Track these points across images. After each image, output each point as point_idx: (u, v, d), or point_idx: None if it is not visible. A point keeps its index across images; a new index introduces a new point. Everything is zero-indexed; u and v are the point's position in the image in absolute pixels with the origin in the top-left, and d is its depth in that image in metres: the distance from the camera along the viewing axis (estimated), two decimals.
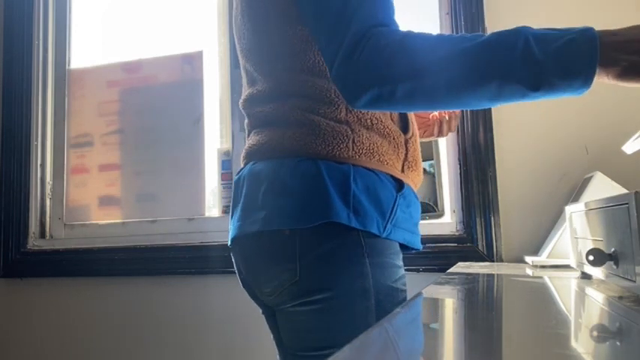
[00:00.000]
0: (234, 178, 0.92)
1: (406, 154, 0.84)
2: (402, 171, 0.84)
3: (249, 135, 0.91)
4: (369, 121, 0.81)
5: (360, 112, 0.80)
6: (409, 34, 0.68)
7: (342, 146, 0.78)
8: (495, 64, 0.63)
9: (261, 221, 0.79)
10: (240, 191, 0.87)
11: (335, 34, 0.69)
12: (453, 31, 1.46)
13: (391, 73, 0.66)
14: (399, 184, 0.83)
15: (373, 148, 0.80)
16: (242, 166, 0.91)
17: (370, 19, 0.68)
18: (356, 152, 0.79)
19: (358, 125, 0.80)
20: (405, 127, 0.85)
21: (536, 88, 0.62)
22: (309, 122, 0.79)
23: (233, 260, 0.94)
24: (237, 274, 0.94)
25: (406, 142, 0.85)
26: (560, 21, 1.38)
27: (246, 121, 0.93)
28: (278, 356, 0.96)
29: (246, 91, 0.92)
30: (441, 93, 0.66)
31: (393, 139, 0.83)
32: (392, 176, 0.82)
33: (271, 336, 0.96)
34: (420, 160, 0.89)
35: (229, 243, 0.91)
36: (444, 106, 0.71)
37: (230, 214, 0.92)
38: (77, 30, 1.94)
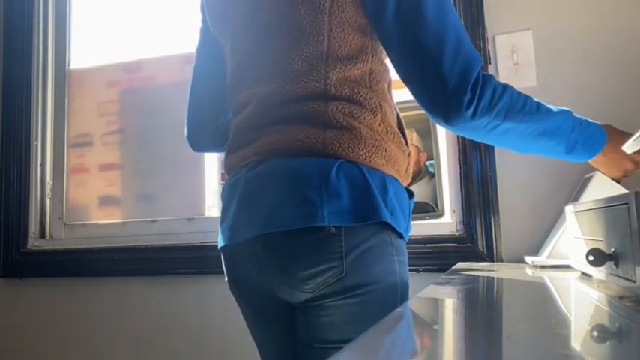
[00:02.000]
0: (238, 177, 0.89)
1: (407, 166, 0.92)
2: (403, 181, 0.92)
3: (252, 133, 0.89)
4: (393, 134, 0.87)
5: (389, 124, 0.87)
6: (510, 87, 0.85)
7: (378, 154, 0.84)
8: (559, 131, 0.91)
9: (308, 217, 0.79)
10: (259, 187, 0.85)
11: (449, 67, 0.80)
12: None
13: (505, 111, 0.83)
14: (409, 192, 0.92)
15: (395, 159, 0.87)
16: (252, 162, 0.87)
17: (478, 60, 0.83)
18: (387, 161, 0.85)
19: (386, 137, 0.86)
20: (406, 143, 0.92)
21: (569, 152, 0.94)
22: (351, 127, 0.83)
23: (230, 262, 0.93)
24: (234, 277, 0.93)
25: (408, 154, 0.92)
26: (559, 20, 1.38)
27: (249, 116, 0.90)
28: (272, 352, 0.97)
29: (257, 87, 0.89)
30: (523, 138, 0.89)
31: (403, 152, 0.90)
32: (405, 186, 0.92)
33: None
34: (411, 171, 0.97)
35: (235, 242, 0.88)
36: (516, 147, 0.93)
37: (234, 212, 0.88)
38: (77, 30, 1.94)
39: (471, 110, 0.79)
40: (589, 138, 0.95)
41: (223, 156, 1.02)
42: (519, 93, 0.86)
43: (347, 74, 0.84)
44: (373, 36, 0.86)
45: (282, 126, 0.85)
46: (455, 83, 0.79)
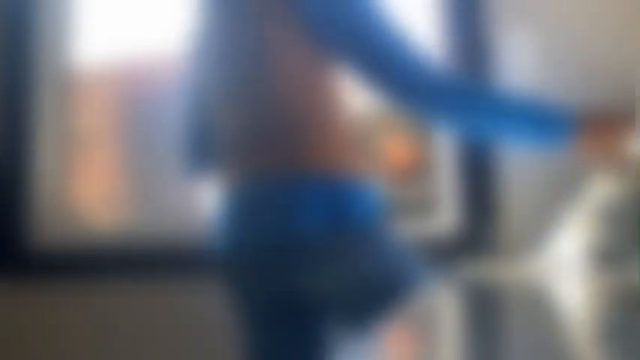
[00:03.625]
0: (242, 193, 0.94)
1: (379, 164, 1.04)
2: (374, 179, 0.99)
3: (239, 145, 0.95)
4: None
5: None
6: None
7: (350, 158, 0.90)
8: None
9: (291, 228, 0.85)
10: (260, 206, 0.91)
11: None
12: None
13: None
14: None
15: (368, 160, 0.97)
16: (246, 180, 0.93)
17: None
18: (360, 162, 0.91)
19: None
20: None
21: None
22: (321, 135, 0.89)
23: (241, 268, 0.96)
24: (243, 281, 0.97)
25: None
26: (558, 20, 1.38)
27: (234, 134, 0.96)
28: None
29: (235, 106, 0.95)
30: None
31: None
32: None
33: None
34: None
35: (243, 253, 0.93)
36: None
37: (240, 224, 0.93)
38: (77, 29, 1.94)
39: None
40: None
41: None
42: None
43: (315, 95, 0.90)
44: None
45: (259, 141, 0.92)
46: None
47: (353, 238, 0.87)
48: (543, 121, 0.91)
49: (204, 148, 1.13)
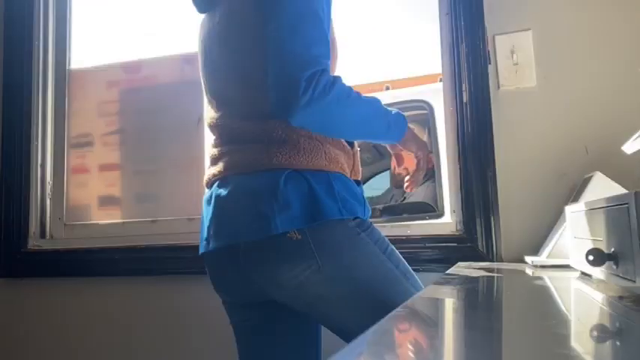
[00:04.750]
0: (212, 192, 1.00)
1: (353, 164, 1.04)
2: (351, 176, 1.03)
3: (219, 150, 1.02)
4: (331, 138, 0.99)
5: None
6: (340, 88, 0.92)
7: (318, 156, 0.95)
8: (379, 113, 1.01)
9: (264, 229, 0.90)
10: (223, 204, 0.97)
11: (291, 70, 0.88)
12: (452, 32, 1.46)
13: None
14: (357, 182, 1.04)
15: (336, 158, 0.98)
16: (217, 180, 1.00)
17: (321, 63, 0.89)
18: (328, 161, 0.96)
19: (325, 140, 0.97)
20: (351, 143, 1.06)
21: (387, 132, 1.03)
22: (290, 139, 0.94)
23: (213, 269, 1.04)
24: (219, 281, 1.05)
25: (354, 154, 1.05)
26: (558, 20, 1.38)
27: (216, 139, 1.05)
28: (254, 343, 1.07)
29: (218, 111, 1.03)
30: (356, 122, 0.98)
31: (346, 152, 1.02)
32: (351, 175, 1.03)
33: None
34: (360, 168, 1.08)
35: (211, 249, 0.98)
36: (350, 131, 1.00)
37: (208, 225, 0.99)
38: (77, 30, 1.94)
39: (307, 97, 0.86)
40: (397, 119, 1.04)
41: None
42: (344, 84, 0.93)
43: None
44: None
45: (236, 145, 0.99)
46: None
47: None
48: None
49: None
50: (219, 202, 0.98)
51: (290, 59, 0.88)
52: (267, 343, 1.07)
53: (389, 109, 1.04)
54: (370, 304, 0.93)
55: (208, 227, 0.99)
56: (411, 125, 1.09)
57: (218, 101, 1.04)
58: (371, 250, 0.96)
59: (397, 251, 1.01)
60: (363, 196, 1.02)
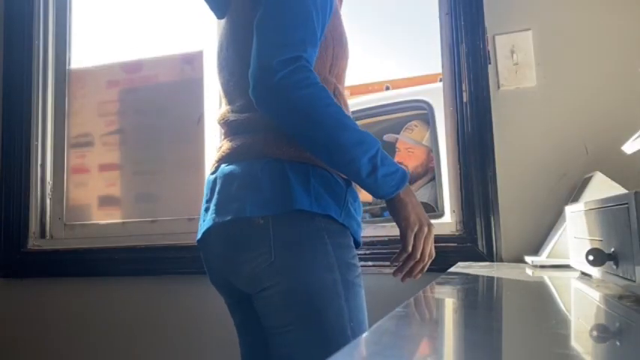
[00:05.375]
0: (208, 179, 1.03)
1: None
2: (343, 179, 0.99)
3: (219, 145, 1.04)
4: None
5: None
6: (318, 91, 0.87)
7: (302, 151, 0.92)
8: (365, 144, 0.89)
9: (235, 210, 0.91)
10: (214, 190, 0.98)
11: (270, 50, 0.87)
12: (452, 31, 1.46)
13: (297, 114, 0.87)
14: (346, 182, 0.98)
15: None
16: (213, 169, 1.02)
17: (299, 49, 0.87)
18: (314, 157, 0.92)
19: None
20: None
21: (368, 175, 0.89)
22: (276, 129, 0.92)
23: (203, 256, 1.04)
24: (207, 269, 1.05)
25: None
26: (558, 20, 1.38)
27: (221, 132, 1.07)
28: (242, 342, 1.07)
29: (225, 107, 1.04)
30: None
31: None
32: (339, 176, 0.97)
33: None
34: None
35: (200, 237, 1.00)
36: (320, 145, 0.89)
37: (203, 212, 1.01)
38: (77, 30, 1.94)
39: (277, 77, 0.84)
40: (393, 169, 0.92)
41: None
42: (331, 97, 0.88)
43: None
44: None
45: (232, 136, 1.00)
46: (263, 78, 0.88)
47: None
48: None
49: None
50: (207, 191, 1.01)
51: (266, 43, 0.86)
52: (251, 343, 1.06)
53: (388, 157, 0.93)
54: (305, 318, 0.88)
55: (202, 213, 1.02)
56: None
57: (225, 97, 1.06)
58: (327, 263, 0.89)
59: (363, 298, 0.94)
60: (346, 198, 0.95)
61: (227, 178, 0.96)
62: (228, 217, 0.92)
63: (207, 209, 1.00)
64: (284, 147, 0.92)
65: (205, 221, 0.99)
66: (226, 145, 1.01)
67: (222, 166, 0.99)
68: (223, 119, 1.04)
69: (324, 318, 0.88)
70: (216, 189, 0.98)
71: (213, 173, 1.02)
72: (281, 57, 0.84)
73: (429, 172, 1.74)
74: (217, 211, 0.95)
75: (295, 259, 0.89)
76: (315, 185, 0.91)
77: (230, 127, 1.02)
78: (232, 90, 1.02)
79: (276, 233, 0.89)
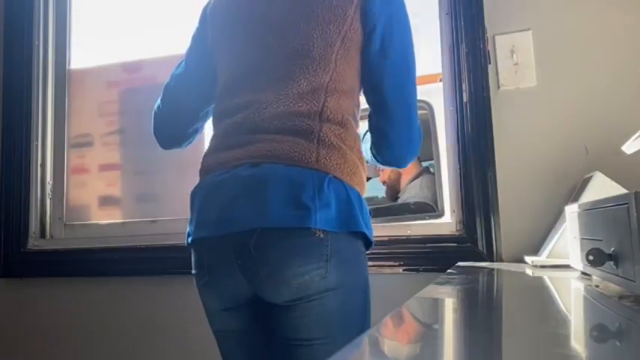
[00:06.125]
0: (226, 175, 0.96)
1: (364, 185, 1.06)
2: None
3: (252, 136, 0.98)
4: (361, 158, 1.03)
5: (359, 149, 1.03)
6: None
7: (355, 174, 0.98)
8: None
9: (299, 219, 0.90)
10: (261, 187, 0.92)
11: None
12: (452, 32, 1.46)
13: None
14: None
15: (363, 180, 1.02)
16: (246, 162, 0.95)
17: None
18: (359, 181, 1.00)
19: (359, 161, 1.01)
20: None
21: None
22: (339, 147, 0.97)
23: (211, 254, 0.97)
24: (211, 267, 0.98)
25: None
26: (558, 20, 1.38)
27: (245, 119, 1.00)
28: (238, 348, 1.06)
29: (258, 95, 1.00)
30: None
31: (366, 172, 1.05)
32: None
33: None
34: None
35: (237, 231, 0.93)
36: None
37: (226, 206, 0.94)
38: (77, 30, 1.94)
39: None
40: None
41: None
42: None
43: (340, 103, 0.99)
44: (360, 77, 1.04)
45: (276, 135, 0.96)
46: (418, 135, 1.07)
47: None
48: None
49: None
50: (245, 183, 0.93)
51: (406, 137, 1.09)
52: (251, 348, 1.05)
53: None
54: (350, 329, 0.95)
55: (223, 209, 0.94)
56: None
57: (260, 86, 1.02)
58: (366, 283, 1.00)
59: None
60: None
61: (284, 179, 0.92)
62: (291, 224, 0.90)
63: (243, 205, 0.92)
64: (345, 168, 0.96)
65: (230, 221, 0.93)
66: (272, 143, 0.95)
67: (268, 164, 0.94)
68: (256, 109, 0.98)
69: (355, 335, 0.88)
70: (265, 187, 0.91)
71: (245, 170, 0.94)
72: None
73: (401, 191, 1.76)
74: (271, 213, 0.90)
75: (347, 276, 0.95)
76: (365, 211, 0.99)
77: (274, 124, 0.97)
78: (286, 83, 0.98)
79: (333, 248, 0.92)
